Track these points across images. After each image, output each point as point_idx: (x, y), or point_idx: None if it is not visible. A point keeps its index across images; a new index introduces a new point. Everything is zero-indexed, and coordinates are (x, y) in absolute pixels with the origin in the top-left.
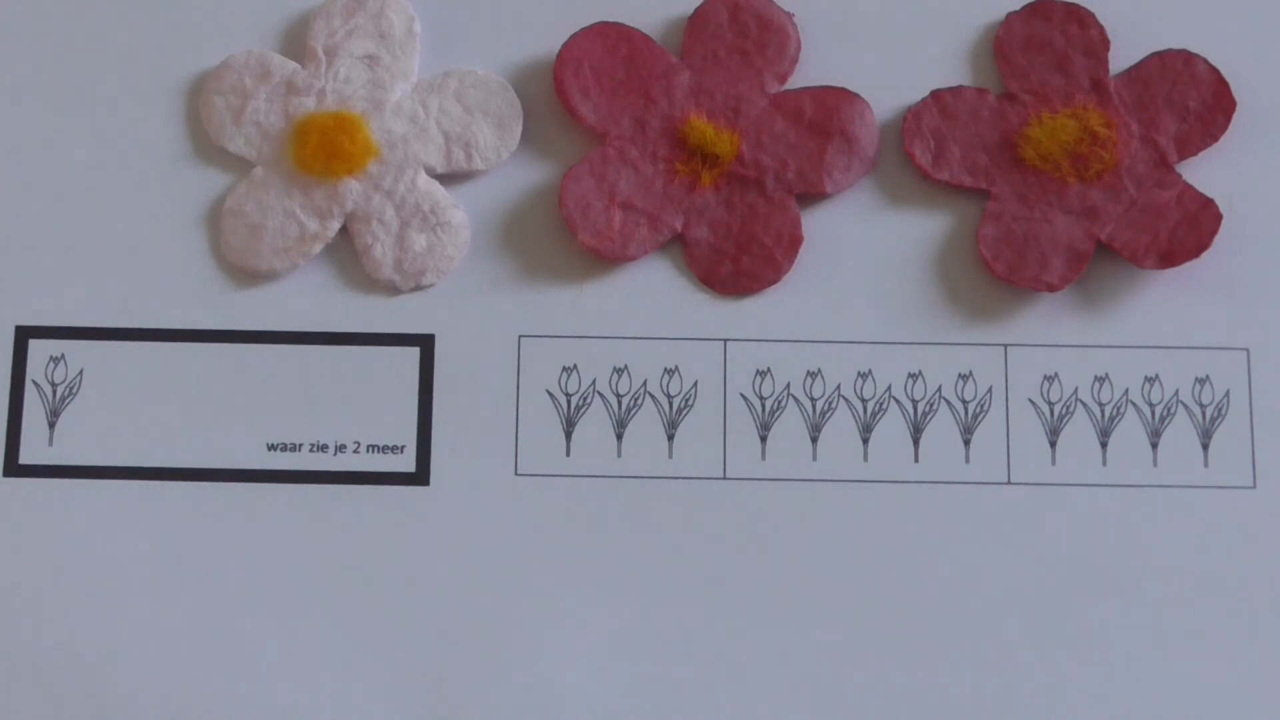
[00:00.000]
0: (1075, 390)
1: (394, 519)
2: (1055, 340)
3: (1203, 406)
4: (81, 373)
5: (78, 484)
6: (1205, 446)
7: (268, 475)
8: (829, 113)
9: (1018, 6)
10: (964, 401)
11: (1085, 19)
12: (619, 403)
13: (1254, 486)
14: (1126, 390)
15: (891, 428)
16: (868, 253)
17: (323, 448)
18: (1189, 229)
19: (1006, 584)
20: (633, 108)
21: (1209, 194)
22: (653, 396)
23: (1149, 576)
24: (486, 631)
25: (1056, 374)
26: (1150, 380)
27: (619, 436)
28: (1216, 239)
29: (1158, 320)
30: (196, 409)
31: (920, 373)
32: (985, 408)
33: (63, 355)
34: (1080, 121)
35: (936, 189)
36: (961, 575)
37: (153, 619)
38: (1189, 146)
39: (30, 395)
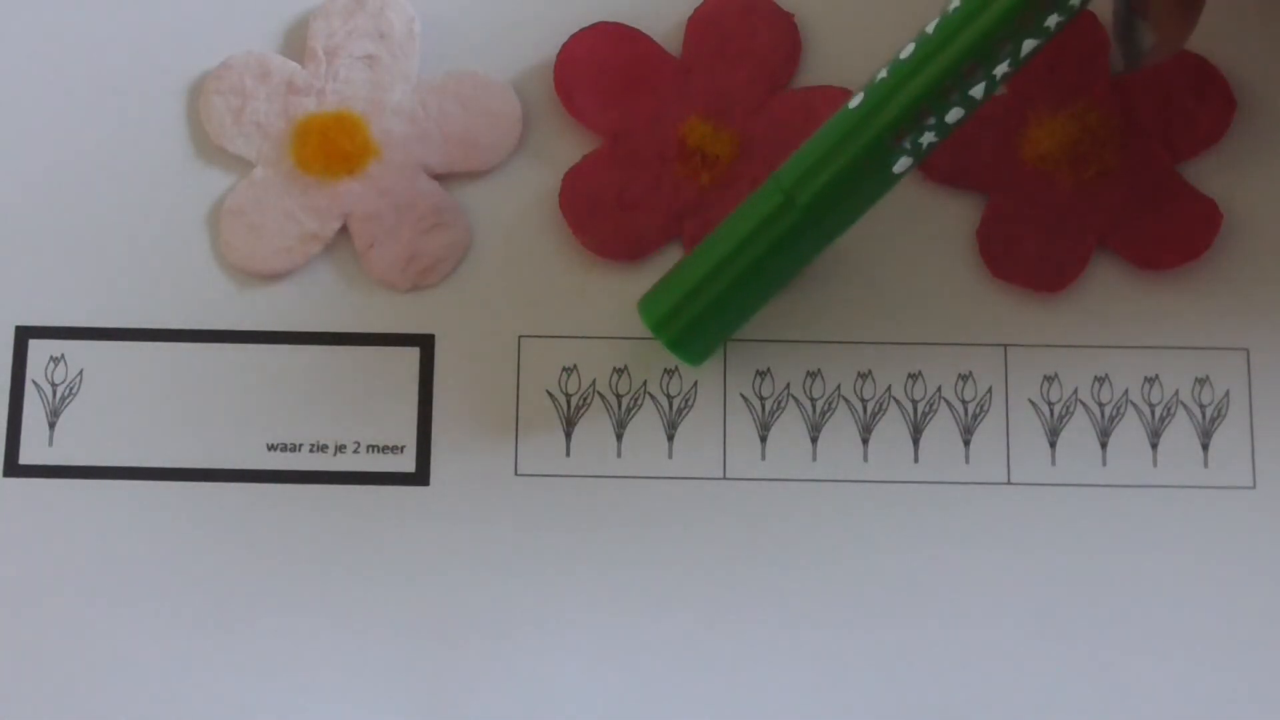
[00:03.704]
0: (1075, 390)
1: (394, 519)
2: (1055, 340)
3: (1203, 407)
4: (81, 373)
5: (78, 484)
6: (1205, 446)
7: (268, 475)
8: (829, 113)
9: None
10: (964, 402)
11: (1085, 19)
12: (619, 403)
13: (1254, 486)
14: (1126, 390)
15: (891, 428)
16: (868, 253)
17: (323, 448)
18: (1189, 229)
19: (1006, 584)
20: (633, 108)
21: (1209, 194)
22: (653, 396)
23: (1149, 576)
24: (486, 631)
25: (1056, 374)
26: (1150, 380)
27: (619, 436)
28: (1216, 239)
29: (1158, 320)
30: (196, 409)
31: (920, 373)
32: (985, 408)
33: (63, 355)
34: (1080, 121)
35: (936, 189)
36: (961, 575)
37: (153, 619)
38: (1189, 146)
39: (30, 395)
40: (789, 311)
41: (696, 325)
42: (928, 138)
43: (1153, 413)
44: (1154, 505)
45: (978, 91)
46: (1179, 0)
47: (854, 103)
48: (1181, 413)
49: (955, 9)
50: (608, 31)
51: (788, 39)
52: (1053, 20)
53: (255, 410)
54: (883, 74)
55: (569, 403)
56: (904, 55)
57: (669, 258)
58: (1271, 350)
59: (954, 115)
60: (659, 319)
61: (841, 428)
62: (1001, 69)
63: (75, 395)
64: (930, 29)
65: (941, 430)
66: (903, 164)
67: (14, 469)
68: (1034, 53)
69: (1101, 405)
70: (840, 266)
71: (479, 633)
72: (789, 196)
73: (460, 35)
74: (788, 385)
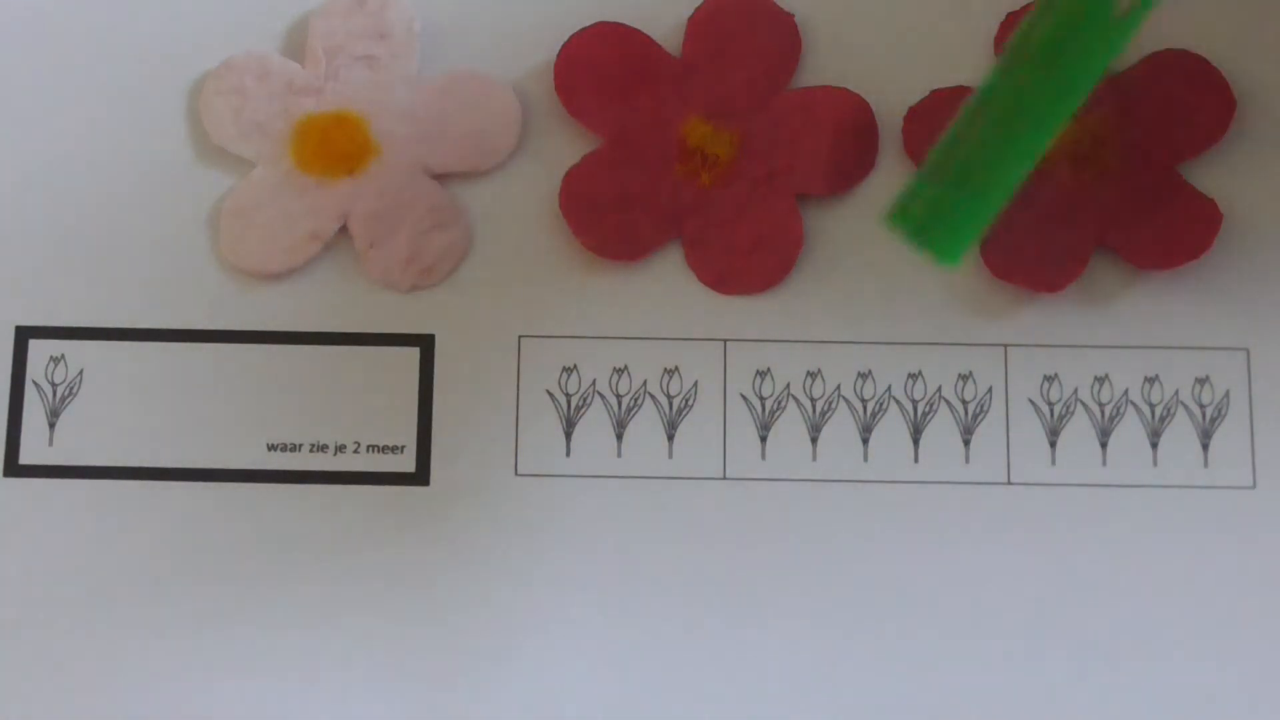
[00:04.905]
0: (1075, 390)
1: (394, 519)
2: (1055, 340)
3: (1203, 406)
4: (81, 373)
5: (78, 484)
6: (1205, 446)
7: (268, 475)
8: (829, 113)
9: (1018, 7)
10: (964, 401)
11: None
12: (619, 403)
13: (1254, 486)
14: (1126, 390)
15: (891, 428)
16: (868, 253)
17: (323, 448)
18: (1189, 229)
19: (1006, 584)
20: (633, 108)
21: (1209, 194)
22: (653, 396)
23: (1149, 576)
24: (486, 631)
25: (1056, 374)
26: (1150, 380)
27: (619, 436)
28: (1216, 239)
29: (1158, 320)
30: (196, 409)
31: (920, 373)
32: (985, 408)
33: (63, 355)
34: (1080, 121)
35: None
36: (961, 575)
37: (153, 619)
38: (1189, 146)
39: (30, 395)
40: (789, 311)
41: (940, 209)
42: None
43: (1153, 413)
44: (1154, 505)
45: None
46: None
47: None
48: (1181, 413)
49: None
50: (608, 31)
51: (788, 39)
52: None
53: (255, 410)
54: None
55: (569, 403)
56: None
57: (669, 258)
58: (1271, 350)
59: None
60: (904, 210)
61: (841, 428)
62: None
63: (75, 395)
64: None
65: (941, 430)
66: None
67: (14, 469)
68: None
69: (1101, 405)
70: (840, 266)
71: (479, 633)
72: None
73: (460, 35)
74: (788, 385)
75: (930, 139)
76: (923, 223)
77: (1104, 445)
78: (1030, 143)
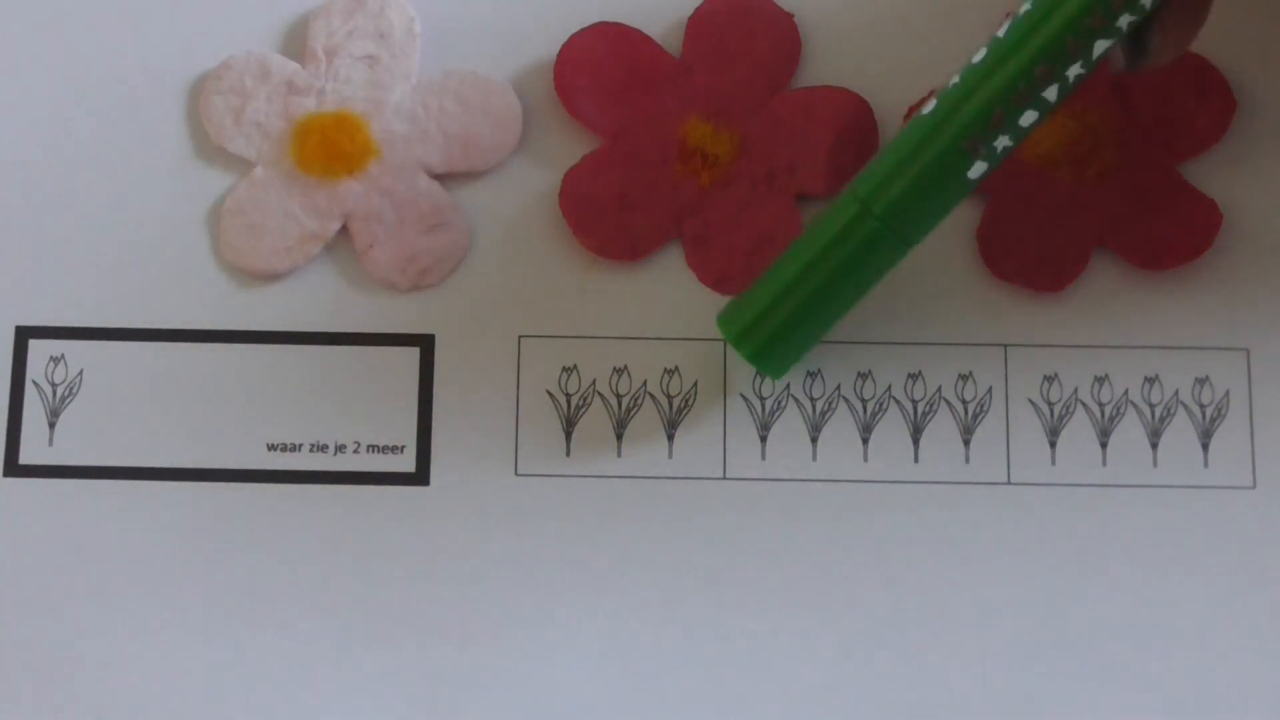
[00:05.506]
0: (1075, 390)
1: (394, 519)
2: (1055, 340)
3: (1203, 407)
4: (81, 373)
5: (78, 484)
6: (1205, 446)
7: (268, 475)
8: (829, 113)
9: (1018, 7)
10: (964, 401)
11: None
12: (619, 403)
13: (1254, 486)
14: (1126, 390)
15: (891, 428)
16: None
17: (323, 448)
18: (1189, 229)
19: (1006, 584)
20: (633, 108)
21: (1209, 194)
22: (653, 396)
23: (1149, 576)
24: (486, 631)
25: (1056, 374)
26: (1150, 380)
27: (619, 436)
28: (1216, 240)
29: (1158, 320)
30: (196, 409)
31: (920, 373)
32: (985, 408)
33: (63, 355)
34: (1080, 121)
35: None
36: (961, 575)
37: (153, 619)
38: (1189, 146)
39: (30, 395)
40: None
41: (778, 338)
42: (1002, 141)
43: (1153, 413)
44: (1154, 505)
45: (1051, 94)
46: (1186, 5)
47: (927, 109)
48: (1181, 413)
49: (1026, 10)
50: (608, 31)
51: (788, 39)
52: (1124, 20)
53: (255, 410)
54: (955, 79)
55: (569, 403)
56: (976, 59)
57: (669, 258)
58: (1271, 350)
59: (1028, 118)
60: (739, 332)
61: (842, 428)
62: (1074, 70)
63: (75, 395)
64: (1001, 31)
65: (941, 430)
66: (978, 169)
67: (14, 469)
68: (1106, 53)
69: (1101, 405)
70: None
71: (479, 633)
72: (865, 206)
73: (460, 35)
74: (787, 385)
75: None
76: (755, 339)
77: (1104, 445)
78: (852, 297)
